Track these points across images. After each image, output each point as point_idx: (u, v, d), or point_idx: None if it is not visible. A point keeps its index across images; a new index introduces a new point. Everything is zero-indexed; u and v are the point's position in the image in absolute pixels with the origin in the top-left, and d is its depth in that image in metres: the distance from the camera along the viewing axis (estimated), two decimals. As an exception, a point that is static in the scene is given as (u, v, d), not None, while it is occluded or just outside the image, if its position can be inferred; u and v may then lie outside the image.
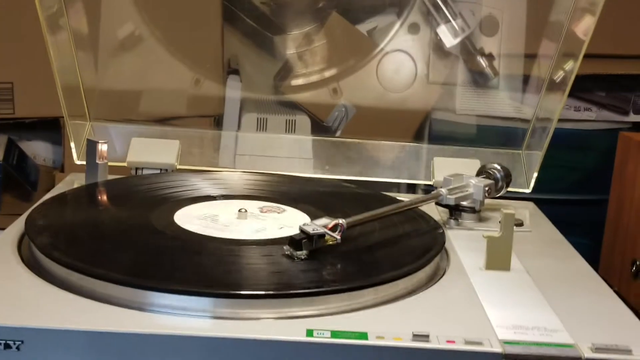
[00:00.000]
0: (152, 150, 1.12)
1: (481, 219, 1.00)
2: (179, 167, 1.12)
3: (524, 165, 1.15)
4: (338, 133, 1.27)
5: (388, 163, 1.17)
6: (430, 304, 0.74)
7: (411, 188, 1.29)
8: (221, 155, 1.21)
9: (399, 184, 1.25)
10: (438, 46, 1.22)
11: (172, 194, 0.96)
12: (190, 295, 0.68)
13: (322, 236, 0.78)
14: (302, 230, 0.78)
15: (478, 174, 1.04)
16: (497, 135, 1.21)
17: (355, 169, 1.17)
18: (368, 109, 1.27)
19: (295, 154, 1.22)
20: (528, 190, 1.12)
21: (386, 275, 0.75)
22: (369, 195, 1.05)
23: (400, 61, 1.24)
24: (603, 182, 1.26)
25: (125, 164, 1.12)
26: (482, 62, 1.19)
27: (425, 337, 0.65)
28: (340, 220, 0.80)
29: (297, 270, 0.75)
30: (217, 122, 1.27)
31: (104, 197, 0.96)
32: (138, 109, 1.22)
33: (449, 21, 1.19)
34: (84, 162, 1.10)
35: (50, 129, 1.75)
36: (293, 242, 0.77)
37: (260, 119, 1.23)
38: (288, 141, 1.23)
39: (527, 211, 1.09)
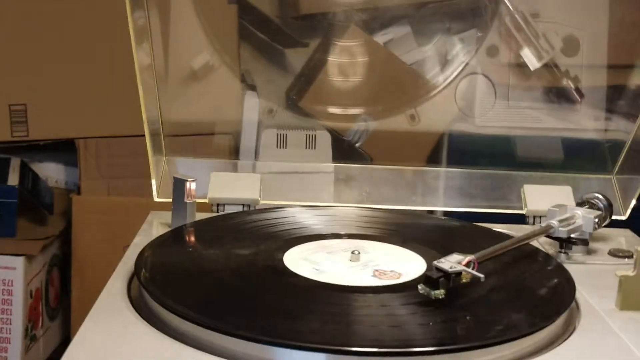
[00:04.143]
0: (233, 186, 1.08)
1: (589, 252, 0.96)
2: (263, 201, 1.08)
3: (617, 190, 1.11)
4: (358, 145, 1.23)
5: (476, 191, 1.13)
6: (580, 353, 0.69)
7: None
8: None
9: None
10: (518, 68, 1.18)
11: (279, 233, 0.92)
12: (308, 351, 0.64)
13: (459, 274, 0.74)
14: (437, 268, 0.74)
15: (580, 204, 1.00)
16: (582, 160, 1.17)
17: (440, 200, 1.13)
18: (445, 135, 1.23)
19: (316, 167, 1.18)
20: (624, 217, 1.09)
21: (524, 327, 0.70)
22: (465, 228, 1.02)
23: (479, 85, 1.20)
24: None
25: (204, 200, 1.07)
26: (567, 84, 1.15)
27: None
28: (472, 257, 0.76)
29: (417, 324, 0.70)
30: (235, 139, 1.23)
31: (206, 240, 0.91)
32: (212, 141, 1.18)
33: (532, 43, 1.15)
34: (164, 200, 1.07)
35: (63, 150, 1.73)
36: (430, 280, 0.73)
37: (280, 134, 1.20)
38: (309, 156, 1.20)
39: (624, 239, 1.05)
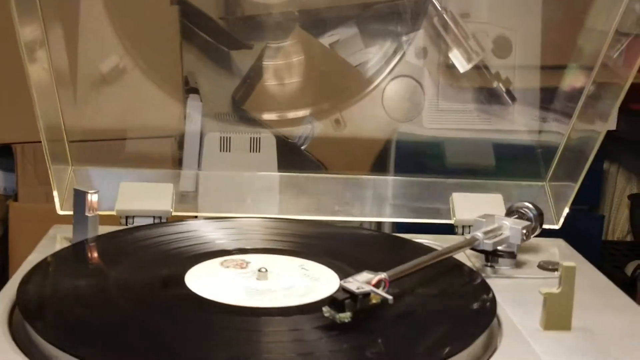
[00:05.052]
0: (143, 196, 1.01)
1: (518, 265, 0.91)
2: (174, 213, 1.01)
3: (550, 198, 1.06)
4: (303, 147, 1.18)
5: (399, 200, 1.07)
6: (497, 380, 0.64)
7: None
8: (182, 178, 1.11)
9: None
10: (448, 70, 1.13)
11: (181, 250, 0.85)
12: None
13: (367, 295, 0.67)
14: (344, 289, 0.67)
15: (508, 213, 0.95)
16: (514, 166, 1.12)
17: (367, 210, 1.07)
18: (372, 141, 1.17)
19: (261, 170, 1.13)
20: (557, 227, 1.04)
21: (438, 352, 0.64)
22: (383, 238, 0.96)
23: (407, 88, 1.14)
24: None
25: (113, 213, 1.00)
26: (499, 87, 1.10)
27: None
28: (383, 275, 0.70)
29: (327, 351, 0.64)
30: (179, 142, 1.17)
31: (102, 259, 0.84)
32: (124, 149, 1.11)
33: (461, 44, 1.09)
34: (68, 212, 1.00)
35: (0, 155, 1.65)
36: (335, 302, 0.66)
37: (224, 137, 1.14)
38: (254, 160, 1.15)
39: (557, 249, 1.00)
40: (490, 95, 1.12)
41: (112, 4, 1.09)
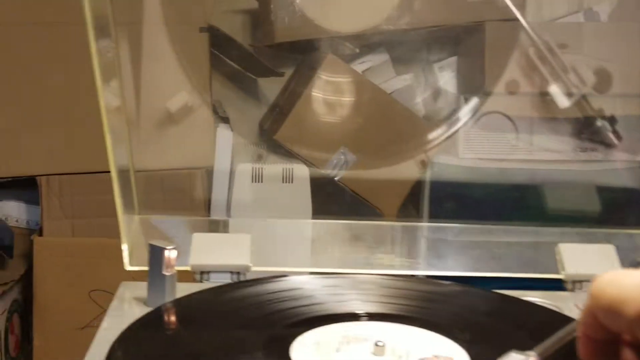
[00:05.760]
0: (219, 249, 0.91)
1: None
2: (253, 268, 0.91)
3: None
4: (337, 178, 1.10)
5: (501, 252, 0.97)
6: None
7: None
8: (213, 211, 1.03)
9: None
10: (543, 105, 1.03)
11: (282, 313, 0.74)
12: None
13: None
14: None
15: (636, 264, 0.85)
16: (622, 211, 1.02)
17: (467, 263, 0.97)
18: (457, 185, 1.07)
19: (293, 203, 1.05)
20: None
21: None
22: (493, 298, 0.85)
23: (497, 125, 1.05)
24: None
25: (187, 268, 0.90)
26: (602, 125, 1.01)
27: None
28: (534, 356, 0.59)
29: None
30: (208, 174, 1.10)
31: (193, 325, 0.74)
32: (192, 195, 1.02)
33: (560, 78, 1.00)
34: (137, 268, 0.90)
35: (23, 187, 1.59)
36: None
37: (255, 168, 1.07)
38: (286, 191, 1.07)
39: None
40: (590, 131, 1.03)
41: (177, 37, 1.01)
